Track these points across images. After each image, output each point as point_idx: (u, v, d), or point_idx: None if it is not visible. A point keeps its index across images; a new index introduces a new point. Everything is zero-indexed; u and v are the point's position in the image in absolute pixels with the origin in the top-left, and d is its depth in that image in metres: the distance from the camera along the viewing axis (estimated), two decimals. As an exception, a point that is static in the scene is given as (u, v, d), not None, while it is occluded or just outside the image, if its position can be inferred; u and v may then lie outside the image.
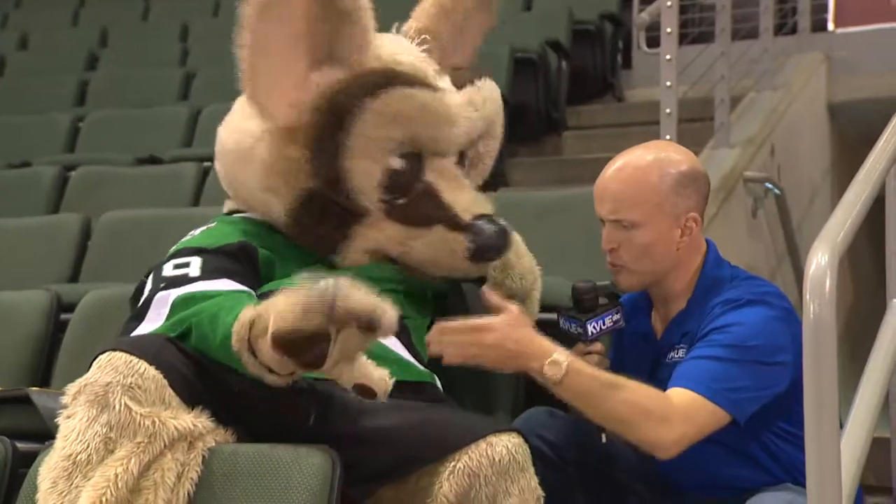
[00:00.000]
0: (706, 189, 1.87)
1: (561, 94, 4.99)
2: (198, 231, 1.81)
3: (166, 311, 1.63)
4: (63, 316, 2.56)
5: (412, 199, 1.80)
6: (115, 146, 4.47)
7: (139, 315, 1.66)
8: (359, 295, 1.39)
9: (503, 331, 1.66)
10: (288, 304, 1.40)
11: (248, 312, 1.49)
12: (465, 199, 1.82)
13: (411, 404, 1.63)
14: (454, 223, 1.79)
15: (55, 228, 3.38)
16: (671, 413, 1.64)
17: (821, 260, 1.38)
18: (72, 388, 1.50)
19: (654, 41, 4.11)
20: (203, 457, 1.50)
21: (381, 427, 1.58)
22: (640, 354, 1.89)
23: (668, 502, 1.91)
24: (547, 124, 4.92)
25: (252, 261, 1.73)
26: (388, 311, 1.42)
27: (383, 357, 1.60)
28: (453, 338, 1.67)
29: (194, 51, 5.89)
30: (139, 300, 1.70)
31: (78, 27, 6.94)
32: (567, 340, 1.77)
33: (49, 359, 2.50)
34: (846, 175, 2.27)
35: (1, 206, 3.79)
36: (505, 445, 1.53)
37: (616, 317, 1.82)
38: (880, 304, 2.24)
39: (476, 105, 1.87)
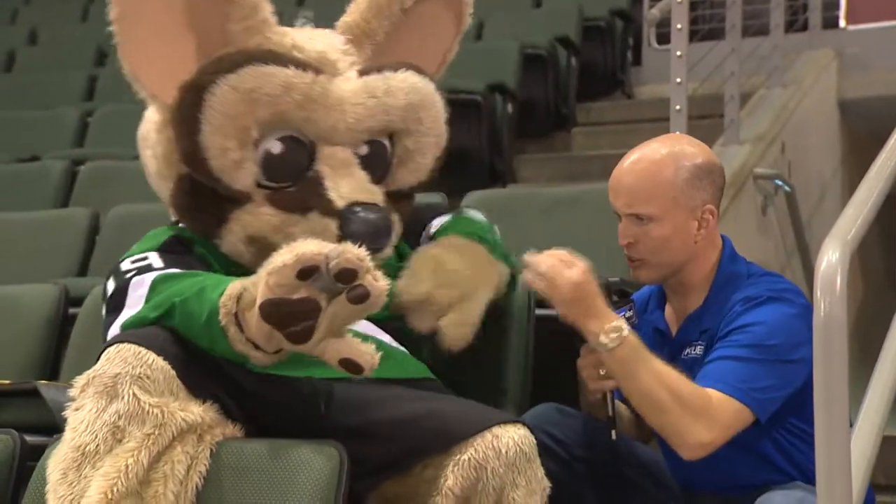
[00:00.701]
0: (721, 181, 1.86)
1: (570, 90, 4.99)
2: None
3: (145, 291, 1.61)
4: (71, 310, 2.56)
5: (300, 187, 1.74)
6: (123, 141, 4.43)
7: (117, 306, 1.64)
8: (353, 254, 1.40)
9: (585, 276, 1.70)
10: (279, 267, 1.39)
11: (235, 286, 1.48)
12: (346, 185, 1.74)
13: (415, 394, 1.63)
14: (327, 209, 1.72)
15: (64, 222, 3.39)
16: (709, 411, 1.64)
17: (832, 257, 1.38)
18: (80, 380, 1.51)
19: (664, 38, 4.10)
20: (211, 450, 1.50)
21: (385, 419, 1.58)
22: (653, 349, 1.89)
23: (676, 500, 1.91)
24: (556, 120, 4.91)
25: (190, 249, 1.73)
26: (381, 279, 1.42)
27: (383, 352, 1.60)
28: (546, 259, 1.70)
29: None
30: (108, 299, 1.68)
31: (87, 22, 6.94)
32: (579, 339, 1.76)
33: (57, 352, 2.51)
34: (856, 172, 2.27)
35: (10, 200, 3.80)
36: (511, 437, 1.53)
37: (629, 314, 1.80)
38: (890, 302, 2.23)
39: (374, 93, 1.77)
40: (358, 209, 1.72)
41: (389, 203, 1.80)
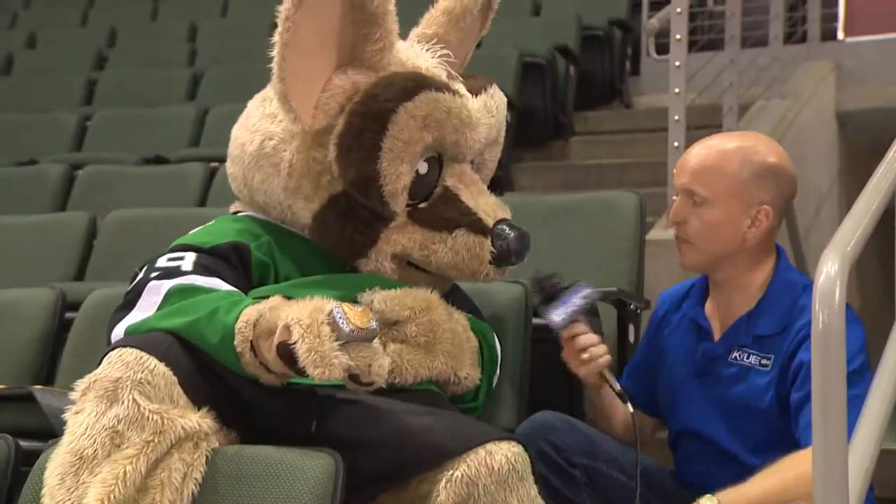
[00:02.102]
0: (788, 190, 1.87)
1: (569, 99, 5.00)
2: (199, 228, 1.81)
3: (159, 299, 1.62)
4: (68, 314, 2.55)
5: (432, 203, 1.80)
6: (122, 145, 4.47)
7: (129, 303, 1.66)
8: (362, 354, 1.44)
9: None
10: (301, 328, 1.43)
11: (251, 312, 1.50)
12: (486, 203, 1.83)
13: (411, 408, 1.62)
14: (477, 227, 1.79)
15: (61, 227, 3.38)
16: None
17: (830, 269, 1.37)
18: (81, 384, 1.51)
19: (663, 48, 4.11)
20: (207, 457, 1.50)
21: (380, 432, 1.57)
22: (685, 341, 1.89)
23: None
24: (554, 129, 4.92)
25: (244, 261, 1.73)
26: (382, 367, 1.47)
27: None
28: None
29: (202, 51, 5.90)
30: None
31: (86, 27, 6.95)
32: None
33: (53, 357, 2.50)
34: (854, 184, 2.27)
35: (7, 204, 3.80)
36: (504, 454, 1.52)
37: (586, 291, 1.80)
38: (886, 315, 2.23)
39: (492, 111, 1.88)
40: (505, 227, 1.80)
41: None
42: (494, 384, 1.90)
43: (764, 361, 1.82)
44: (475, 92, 1.87)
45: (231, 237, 1.75)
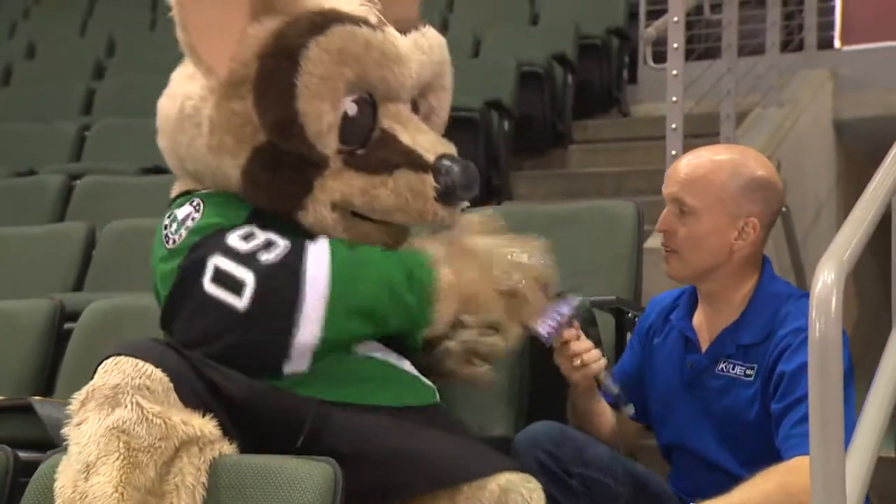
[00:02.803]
0: (776, 204, 1.87)
1: (567, 107, 5.01)
2: (195, 214, 1.72)
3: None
4: (67, 325, 2.55)
5: (371, 148, 1.73)
6: (121, 155, 4.47)
7: (290, 301, 1.59)
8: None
9: None
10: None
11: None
12: (426, 139, 1.75)
13: (410, 429, 1.60)
14: (418, 164, 1.70)
15: (60, 237, 3.38)
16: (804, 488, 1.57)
17: (827, 278, 1.37)
18: (79, 396, 1.50)
19: (660, 56, 4.11)
20: (209, 465, 1.50)
21: (374, 448, 1.56)
22: (674, 352, 1.89)
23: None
24: (552, 138, 4.93)
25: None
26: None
27: (393, 379, 1.59)
28: None
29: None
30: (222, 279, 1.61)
31: (85, 36, 6.96)
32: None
33: (52, 368, 2.50)
34: (851, 192, 2.27)
35: (6, 215, 3.79)
36: (520, 492, 1.50)
37: (574, 302, 1.82)
38: (883, 323, 2.23)
39: (423, 48, 1.79)
40: (447, 161, 1.72)
41: None
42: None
43: (748, 371, 1.82)
44: (404, 31, 1.79)
45: (245, 210, 1.70)
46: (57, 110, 5.29)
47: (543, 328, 1.80)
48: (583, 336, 1.84)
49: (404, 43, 1.77)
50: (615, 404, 1.92)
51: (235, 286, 1.60)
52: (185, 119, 1.76)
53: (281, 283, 1.60)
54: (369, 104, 1.74)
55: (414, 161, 1.71)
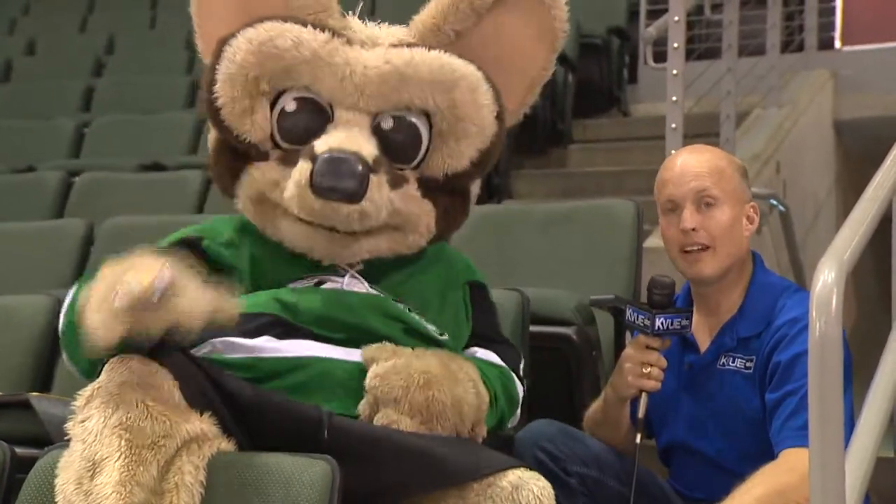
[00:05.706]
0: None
1: (567, 107, 5.00)
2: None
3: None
4: (65, 321, 2.55)
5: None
6: (120, 152, 4.47)
7: None
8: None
9: None
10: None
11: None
12: (335, 138, 1.70)
13: (413, 434, 1.58)
14: (308, 155, 1.69)
15: (59, 233, 3.38)
16: (802, 480, 1.55)
17: (827, 277, 1.37)
18: (85, 392, 1.49)
19: (660, 56, 4.11)
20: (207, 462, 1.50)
21: (384, 448, 1.54)
22: (671, 354, 1.89)
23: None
24: (553, 137, 4.93)
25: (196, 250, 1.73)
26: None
27: None
28: None
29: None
30: None
31: (85, 33, 6.95)
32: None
33: (50, 364, 2.49)
34: (851, 192, 2.27)
35: (5, 210, 3.80)
36: (531, 489, 1.48)
37: (685, 322, 1.83)
38: (882, 323, 2.23)
39: (391, 59, 1.72)
40: (328, 153, 1.67)
41: (424, 190, 1.75)
42: (510, 424, 1.78)
43: (748, 364, 1.83)
44: (397, 45, 1.75)
45: (189, 232, 1.78)
46: (56, 107, 5.29)
47: (660, 322, 1.81)
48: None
49: (373, 53, 1.73)
50: (634, 423, 1.90)
51: None
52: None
53: None
54: (318, 107, 1.74)
55: (307, 153, 1.70)
